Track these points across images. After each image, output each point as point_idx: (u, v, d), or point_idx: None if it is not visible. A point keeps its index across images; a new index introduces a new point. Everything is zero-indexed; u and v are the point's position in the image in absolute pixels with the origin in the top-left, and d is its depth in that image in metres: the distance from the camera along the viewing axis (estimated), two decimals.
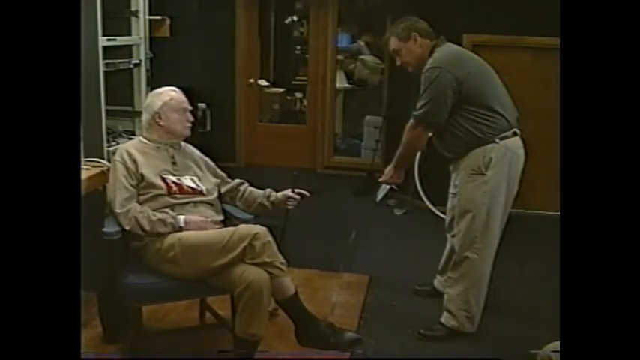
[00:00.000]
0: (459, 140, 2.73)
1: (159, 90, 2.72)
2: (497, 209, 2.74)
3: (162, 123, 2.62)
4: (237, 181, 2.82)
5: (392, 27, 2.91)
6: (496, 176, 2.70)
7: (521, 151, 2.79)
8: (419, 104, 2.71)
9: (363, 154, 6.04)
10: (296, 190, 2.73)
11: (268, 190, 2.79)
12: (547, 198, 4.15)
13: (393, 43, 2.85)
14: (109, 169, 2.64)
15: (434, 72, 2.65)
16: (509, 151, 2.72)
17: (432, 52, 2.77)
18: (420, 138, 2.78)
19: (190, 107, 2.70)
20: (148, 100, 2.69)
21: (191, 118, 2.69)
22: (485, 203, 2.70)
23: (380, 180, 3.07)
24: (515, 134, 2.76)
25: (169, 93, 2.66)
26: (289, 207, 2.74)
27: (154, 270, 2.44)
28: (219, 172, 2.82)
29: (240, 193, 2.78)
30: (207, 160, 2.81)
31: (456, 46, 2.92)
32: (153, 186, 2.51)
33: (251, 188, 2.82)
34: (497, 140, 2.69)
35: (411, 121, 2.77)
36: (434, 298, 3.14)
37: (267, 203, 2.75)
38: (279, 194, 2.75)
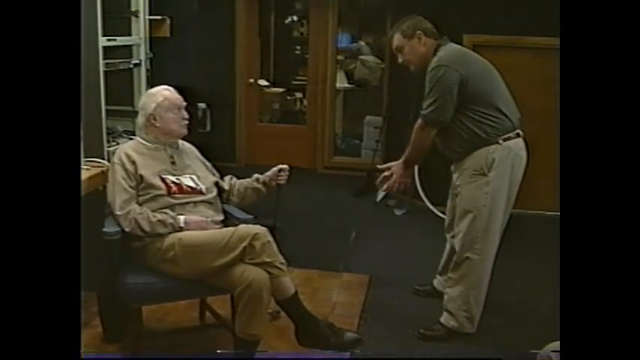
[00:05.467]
0: (462, 140, 2.72)
1: (152, 90, 2.71)
2: (498, 210, 2.74)
3: (157, 124, 2.62)
4: (227, 178, 2.83)
5: (397, 24, 2.89)
6: (498, 177, 2.70)
7: (524, 153, 2.79)
8: (426, 103, 2.70)
9: (363, 154, 6.05)
10: (282, 166, 2.75)
11: (255, 174, 2.80)
12: (547, 198, 4.15)
13: (397, 39, 2.84)
14: (108, 170, 2.64)
15: (439, 70, 2.65)
16: (511, 152, 2.72)
17: (435, 51, 2.77)
18: (429, 137, 2.76)
19: (185, 104, 2.69)
20: (142, 102, 2.69)
21: (186, 116, 2.69)
22: (487, 204, 2.70)
23: (386, 188, 2.99)
24: (518, 135, 2.76)
25: (163, 93, 2.65)
26: (281, 182, 2.74)
27: (154, 270, 2.44)
28: (215, 171, 2.82)
29: (232, 188, 2.79)
30: (204, 159, 2.82)
31: (459, 46, 2.93)
32: (152, 186, 2.51)
33: (240, 180, 2.82)
34: (500, 141, 2.69)
35: (419, 120, 2.76)
36: (434, 298, 3.14)
37: (259, 185, 2.77)
38: (268, 172, 2.77)
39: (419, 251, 3.96)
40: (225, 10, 5.73)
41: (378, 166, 3.13)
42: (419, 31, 2.79)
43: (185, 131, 2.69)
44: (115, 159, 2.56)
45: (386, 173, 2.94)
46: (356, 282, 3.49)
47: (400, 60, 2.90)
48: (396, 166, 2.93)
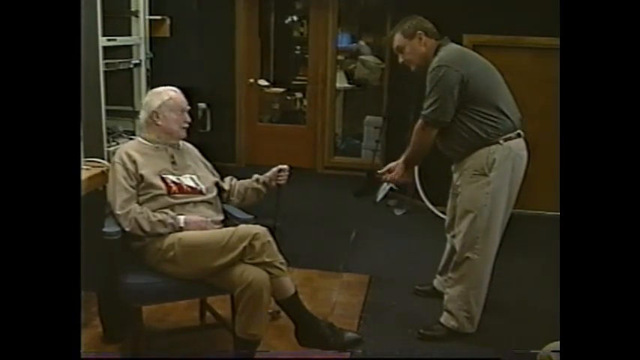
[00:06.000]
0: (463, 140, 2.72)
1: (159, 89, 2.71)
2: (498, 210, 2.74)
3: (159, 122, 2.62)
4: (227, 178, 2.84)
5: (397, 24, 2.89)
6: (499, 177, 2.69)
7: (524, 153, 2.79)
8: (427, 103, 2.70)
9: (363, 154, 6.05)
10: (282, 166, 2.76)
11: (255, 175, 2.80)
12: (547, 198, 4.15)
13: (398, 39, 2.84)
14: (109, 169, 2.64)
15: (440, 70, 2.65)
16: (512, 152, 2.72)
17: (436, 51, 2.77)
18: (430, 137, 2.76)
19: (189, 108, 2.71)
20: (147, 99, 2.69)
21: (188, 119, 2.69)
22: (487, 204, 2.70)
23: (387, 178, 3.01)
24: (519, 135, 2.76)
25: (169, 93, 2.66)
26: (281, 182, 2.74)
27: (154, 270, 2.44)
28: (215, 172, 2.83)
29: (232, 188, 2.79)
30: (205, 159, 2.82)
31: (460, 46, 2.92)
32: (152, 186, 2.51)
33: (240, 180, 2.83)
34: (501, 141, 2.69)
35: (420, 121, 2.76)
36: (434, 298, 3.14)
37: (259, 186, 2.77)
38: (268, 173, 2.77)
39: (419, 251, 3.96)
40: (225, 10, 5.73)
41: (379, 172, 3.13)
42: (420, 31, 2.79)
43: (184, 134, 2.70)
44: (116, 158, 2.56)
45: (395, 169, 2.95)
46: (356, 282, 3.49)
47: (401, 60, 2.90)
48: (396, 165, 2.94)
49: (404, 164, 2.93)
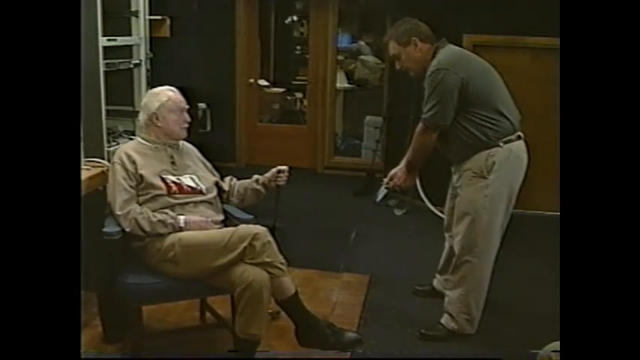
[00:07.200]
0: (463, 143, 2.71)
1: (156, 90, 2.71)
2: (497, 213, 2.72)
3: (159, 124, 2.62)
4: (227, 178, 2.84)
5: (391, 30, 2.87)
6: (498, 180, 2.68)
7: (524, 155, 2.77)
8: (427, 107, 2.68)
9: (363, 154, 6.06)
10: (281, 167, 2.76)
11: (255, 175, 2.80)
12: (547, 198, 4.15)
13: (393, 47, 2.82)
14: (109, 170, 2.64)
15: (439, 74, 2.63)
16: (512, 154, 2.70)
17: (434, 54, 2.75)
18: (430, 140, 2.75)
19: (188, 107, 2.70)
20: (145, 100, 2.68)
21: (188, 119, 2.69)
22: (486, 207, 2.69)
23: (390, 185, 2.99)
24: (519, 137, 2.75)
25: (167, 93, 2.65)
26: (280, 183, 2.74)
27: (153, 270, 2.44)
28: (215, 172, 2.83)
29: (232, 189, 2.79)
30: (205, 159, 2.82)
31: (458, 48, 2.90)
32: (152, 186, 2.51)
33: (240, 181, 2.83)
34: (501, 144, 2.67)
35: (420, 124, 2.74)
36: (434, 298, 3.14)
37: (258, 187, 2.77)
38: (267, 173, 2.77)
39: (419, 251, 3.96)
40: (225, 11, 5.73)
41: (383, 183, 3.11)
42: (414, 37, 2.76)
43: (185, 134, 2.70)
44: (116, 159, 2.56)
45: (397, 174, 2.94)
46: (356, 282, 3.49)
47: (398, 67, 2.88)
48: (398, 170, 2.93)
49: (406, 168, 2.92)
